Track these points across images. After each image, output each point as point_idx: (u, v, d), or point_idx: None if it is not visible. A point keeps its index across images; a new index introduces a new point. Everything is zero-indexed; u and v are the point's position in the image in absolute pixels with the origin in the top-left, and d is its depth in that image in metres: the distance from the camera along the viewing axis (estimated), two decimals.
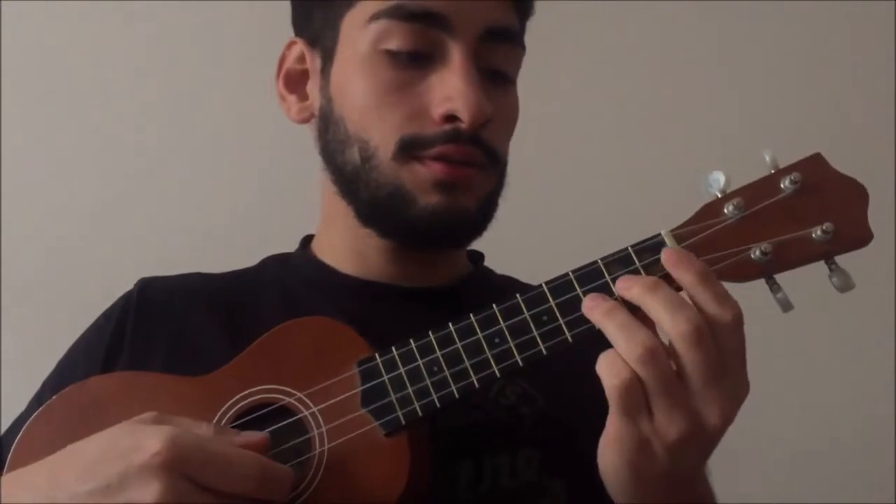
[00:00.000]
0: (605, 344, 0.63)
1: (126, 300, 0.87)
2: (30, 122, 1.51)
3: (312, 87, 0.86)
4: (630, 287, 0.65)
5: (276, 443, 0.69)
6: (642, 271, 0.67)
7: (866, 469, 1.51)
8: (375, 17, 0.78)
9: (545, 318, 0.67)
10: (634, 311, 0.64)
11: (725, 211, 0.67)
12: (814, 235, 0.66)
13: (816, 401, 1.53)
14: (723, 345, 0.62)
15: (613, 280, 0.66)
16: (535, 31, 0.87)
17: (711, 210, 0.68)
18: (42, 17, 1.52)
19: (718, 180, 0.68)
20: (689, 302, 0.63)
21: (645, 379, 0.61)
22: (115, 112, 1.52)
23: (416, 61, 0.78)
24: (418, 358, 0.69)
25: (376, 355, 0.70)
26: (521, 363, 0.67)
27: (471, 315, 0.69)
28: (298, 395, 0.70)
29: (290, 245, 0.95)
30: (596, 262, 0.68)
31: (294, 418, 0.70)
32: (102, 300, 0.89)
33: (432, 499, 0.71)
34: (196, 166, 1.53)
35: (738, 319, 0.63)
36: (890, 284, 1.52)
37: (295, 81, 0.88)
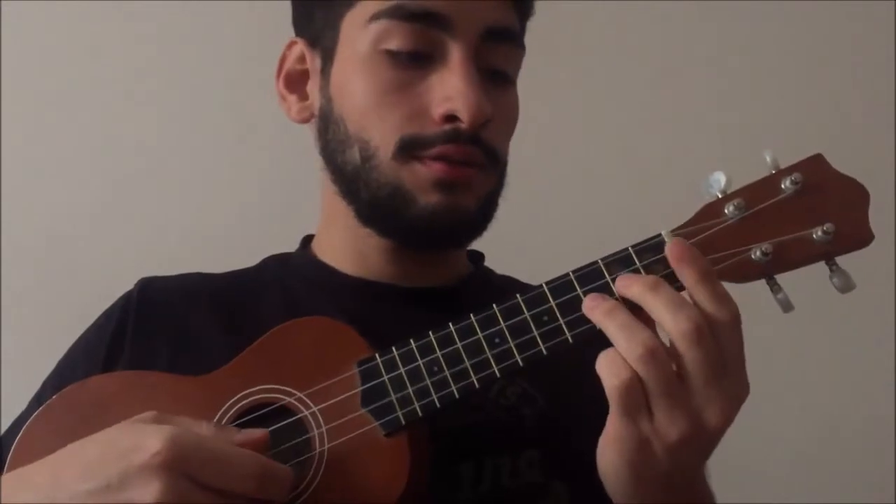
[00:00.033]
0: (605, 344, 0.63)
1: (126, 300, 0.87)
2: (30, 122, 1.51)
3: (313, 87, 0.86)
4: (630, 285, 0.65)
5: (276, 442, 0.69)
6: (643, 271, 0.67)
7: (866, 469, 1.51)
8: (375, 17, 0.78)
9: (545, 318, 0.67)
10: (635, 311, 0.64)
11: (726, 211, 0.67)
12: (814, 236, 0.66)
13: (816, 401, 1.53)
14: (722, 344, 0.62)
15: (614, 280, 0.66)
16: (535, 31, 0.87)
17: (712, 210, 0.68)
18: (42, 17, 1.52)
19: (719, 181, 0.68)
20: (690, 301, 0.63)
21: (646, 379, 0.61)
22: (115, 112, 1.52)
23: (416, 61, 0.78)
24: (418, 358, 0.69)
25: (376, 355, 0.70)
26: (521, 363, 0.67)
27: (471, 315, 0.69)
28: (298, 394, 0.70)
29: (291, 245, 0.95)
30: (596, 262, 0.68)
31: (294, 418, 0.70)
32: (102, 300, 0.89)
33: (432, 499, 0.71)
34: (196, 166, 1.53)
35: (736, 319, 0.63)
36: (890, 285, 1.52)
37: (295, 81, 0.88)
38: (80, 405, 0.74)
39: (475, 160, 0.78)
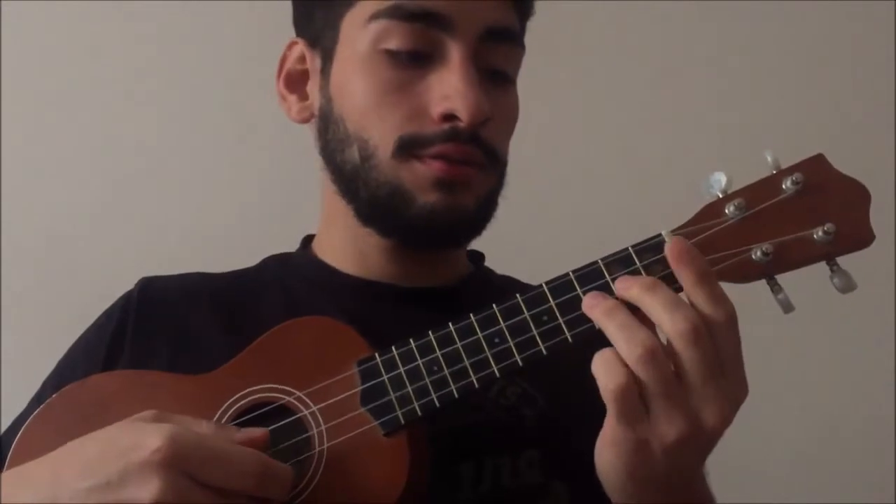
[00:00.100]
0: (605, 344, 0.63)
1: (127, 300, 0.87)
2: (30, 122, 1.51)
3: (313, 86, 0.86)
4: (629, 287, 0.65)
5: (276, 441, 0.69)
6: (643, 271, 0.67)
7: (866, 469, 1.51)
8: (375, 16, 0.78)
9: (545, 317, 0.67)
10: (634, 312, 0.64)
11: (726, 211, 0.67)
12: (815, 236, 0.66)
13: (816, 401, 1.53)
14: (719, 345, 0.62)
15: (614, 280, 0.66)
16: (535, 31, 0.87)
17: (712, 210, 0.68)
18: (42, 17, 1.52)
19: (720, 181, 0.68)
20: (687, 302, 0.63)
21: (645, 379, 0.61)
22: (115, 112, 1.52)
23: (415, 61, 0.78)
24: (418, 357, 0.69)
25: (376, 355, 0.70)
26: (520, 363, 0.67)
27: (471, 315, 0.69)
28: (298, 394, 0.70)
29: (291, 245, 0.95)
30: (596, 262, 0.68)
31: (294, 417, 0.70)
32: (102, 300, 0.89)
33: (432, 499, 0.71)
34: (196, 166, 1.52)
35: (732, 320, 0.63)
36: (890, 285, 1.52)
37: (295, 81, 0.88)
38: (80, 404, 0.74)
39: (474, 159, 0.78)
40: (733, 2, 1.60)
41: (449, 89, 0.77)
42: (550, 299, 0.67)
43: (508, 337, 0.67)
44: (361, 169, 0.80)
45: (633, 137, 1.58)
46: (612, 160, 1.58)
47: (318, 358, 0.72)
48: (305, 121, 0.88)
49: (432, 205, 0.78)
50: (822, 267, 0.68)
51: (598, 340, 0.64)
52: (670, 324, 0.61)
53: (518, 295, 0.68)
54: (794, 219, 0.67)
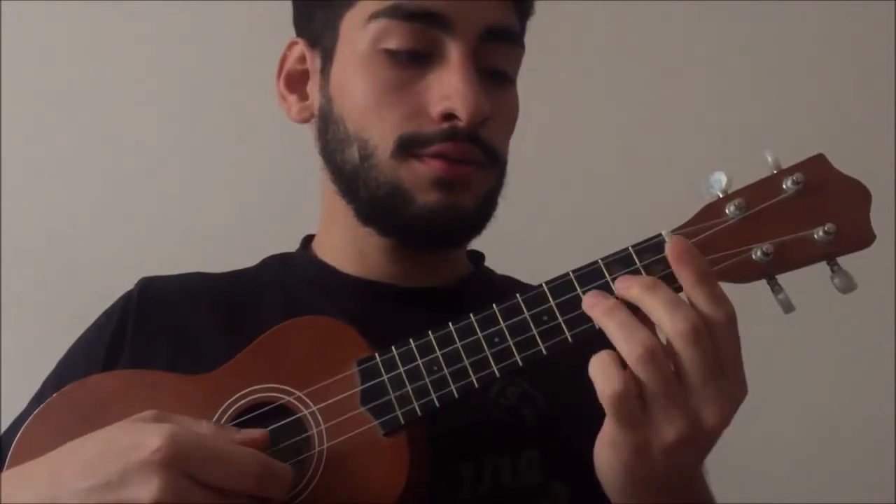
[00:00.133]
0: (605, 343, 0.63)
1: (127, 300, 0.87)
2: (30, 122, 1.51)
3: (312, 86, 0.86)
4: (629, 287, 0.64)
5: (276, 441, 0.69)
6: (643, 271, 0.66)
7: (866, 469, 1.51)
8: (374, 16, 0.78)
9: (545, 317, 0.67)
10: (634, 312, 0.64)
11: (727, 211, 0.67)
12: (815, 236, 0.66)
13: (816, 401, 1.53)
14: (719, 345, 0.62)
15: (614, 280, 0.66)
16: (535, 31, 0.87)
17: (713, 210, 0.68)
18: (42, 17, 1.52)
19: (720, 181, 0.68)
20: (687, 302, 0.63)
21: (644, 379, 0.61)
22: (115, 112, 1.52)
23: (415, 60, 0.78)
24: (418, 357, 0.69)
25: (376, 354, 0.70)
26: (520, 363, 0.67)
27: (471, 315, 0.69)
28: (298, 393, 0.70)
29: (291, 245, 0.95)
30: (596, 262, 0.68)
31: (293, 417, 0.70)
32: (102, 300, 0.89)
33: (432, 499, 0.71)
34: (196, 166, 1.52)
35: (732, 320, 0.63)
36: (890, 285, 1.52)
37: (295, 81, 0.88)
38: (80, 404, 0.74)
39: (474, 158, 0.78)
40: (733, 2, 1.60)
41: (448, 89, 0.77)
42: (550, 299, 0.67)
43: (508, 337, 0.67)
44: (361, 169, 0.80)
45: (633, 137, 1.58)
46: (612, 160, 1.58)
47: (317, 358, 0.72)
48: (305, 121, 0.88)
49: (432, 204, 0.78)
50: (822, 267, 0.68)
51: (598, 340, 0.64)
52: (670, 324, 0.61)
53: (518, 295, 0.68)
54: (794, 219, 0.67)
